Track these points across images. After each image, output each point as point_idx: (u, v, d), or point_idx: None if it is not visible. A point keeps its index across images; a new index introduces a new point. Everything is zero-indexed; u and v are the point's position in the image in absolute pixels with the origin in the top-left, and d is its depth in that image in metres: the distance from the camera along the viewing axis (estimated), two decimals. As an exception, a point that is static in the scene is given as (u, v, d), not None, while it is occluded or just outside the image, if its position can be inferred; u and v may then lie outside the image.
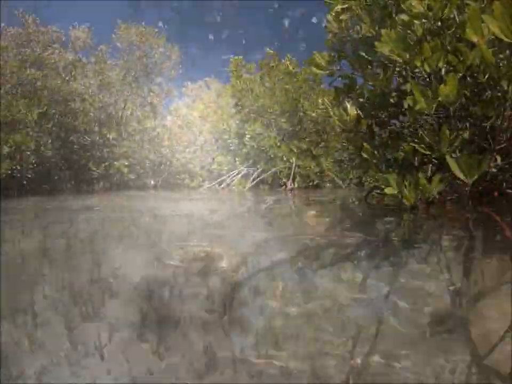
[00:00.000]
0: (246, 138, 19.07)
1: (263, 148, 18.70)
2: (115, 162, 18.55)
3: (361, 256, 3.39)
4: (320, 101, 20.48)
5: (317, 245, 3.84)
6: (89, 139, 17.77)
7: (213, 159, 22.97)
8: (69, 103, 16.38)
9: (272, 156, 18.82)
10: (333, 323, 1.97)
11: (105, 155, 18.61)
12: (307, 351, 1.70)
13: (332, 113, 4.77)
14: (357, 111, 4.78)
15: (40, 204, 9.70)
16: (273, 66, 21.35)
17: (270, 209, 8.34)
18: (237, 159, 19.98)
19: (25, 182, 13.24)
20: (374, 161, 4.78)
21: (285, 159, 19.14)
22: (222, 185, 18.96)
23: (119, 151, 18.96)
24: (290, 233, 4.69)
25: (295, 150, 19.71)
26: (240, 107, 20.90)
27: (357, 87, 5.75)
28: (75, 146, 17.52)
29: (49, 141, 14.29)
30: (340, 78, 5.75)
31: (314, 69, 5.62)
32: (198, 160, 23.11)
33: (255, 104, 19.99)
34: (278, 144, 19.02)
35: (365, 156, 4.80)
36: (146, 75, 20.02)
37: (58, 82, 15.83)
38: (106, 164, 18.40)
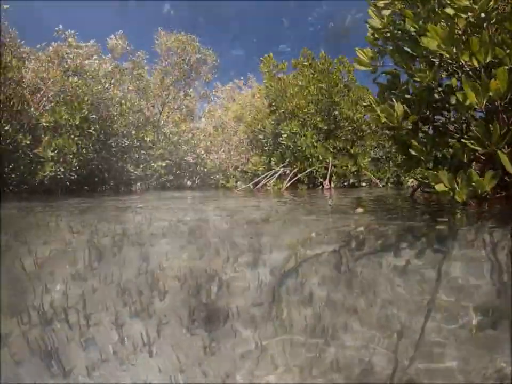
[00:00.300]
0: (282, 138, 19.08)
1: (299, 148, 18.69)
2: (152, 164, 19.04)
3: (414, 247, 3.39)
4: (353, 97, 20.41)
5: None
6: (127, 142, 18.30)
7: (248, 159, 23.15)
8: (109, 108, 16.94)
9: (308, 155, 18.77)
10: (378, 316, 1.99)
11: (142, 157, 19.09)
12: (355, 343, 1.72)
13: (378, 110, 4.77)
14: (404, 108, 4.76)
15: (93, 202, 10.10)
16: (305, 65, 21.31)
17: (314, 204, 8.41)
18: (272, 159, 20.04)
19: (68, 183, 13.80)
20: (422, 158, 4.76)
21: (321, 158, 19.07)
22: (258, 186, 19.06)
23: (156, 153, 19.44)
24: (339, 225, 4.73)
25: (331, 149, 19.64)
26: (274, 107, 20.96)
27: (401, 83, 5.72)
28: (113, 149, 18.08)
29: (90, 144, 14.79)
30: (383, 75, 5.74)
31: (357, 66, 5.63)
32: (233, 161, 23.35)
33: (290, 104, 19.99)
34: (314, 143, 18.95)
35: (413, 153, 4.78)
36: (183, 79, 20.44)
37: (99, 87, 16.42)
38: (144, 165, 18.88)
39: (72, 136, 13.24)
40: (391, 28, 6.42)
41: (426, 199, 6.46)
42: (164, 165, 19.19)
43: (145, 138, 19.19)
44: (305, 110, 19.84)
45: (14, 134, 13.47)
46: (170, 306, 2.32)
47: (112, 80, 18.15)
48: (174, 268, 3.06)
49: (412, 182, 21.46)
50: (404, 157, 5.59)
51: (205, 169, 21.71)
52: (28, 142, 13.06)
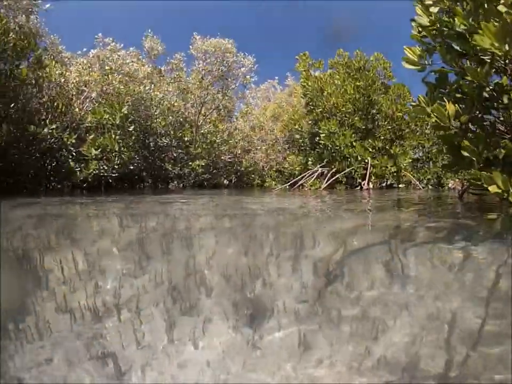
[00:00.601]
0: (320, 138, 19.02)
1: (337, 147, 18.58)
2: (190, 163, 19.40)
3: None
4: (392, 95, 20.08)
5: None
6: (165, 141, 18.76)
7: (284, 158, 23.24)
8: (149, 108, 17.44)
9: (346, 155, 18.64)
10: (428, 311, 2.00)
11: (180, 156, 19.51)
12: (403, 340, 1.71)
13: (428, 109, 4.75)
14: (456, 107, 4.73)
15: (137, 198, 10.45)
16: (341, 63, 21.16)
17: (356, 203, 8.42)
18: (309, 159, 20.03)
19: (110, 181, 14.34)
20: (474, 159, 4.71)
21: (359, 158, 18.90)
22: (296, 186, 19.10)
23: (194, 152, 19.80)
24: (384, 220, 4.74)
25: (370, 149, 19.43)
26: (312, 106, 20.90)
27: (450, 82, 5.67)
28: (152, 148, 18.59)
29: (131, 143, 15.25)
30: (432, 73, 5.70)
31: (405, 64, 5.62)
32: (269, 160, 23.50)
33: (327, 103, 19.88)
34: (353, 143, 18.79)
35: (465, 154, 4.73)
36: (221, 80, 20.78)
37: (140, 88, 16.94)
38: (181, 164, 19.28)
39: (114, 136, 13.70)
40: (438, 25, 6.37)
41: (476, 201, 6.37)
42: (201, 164, 19.51)
43: (183, 138, 19.62)
44: (343, 109, 19.67)
45: (58, 133, 14.08)
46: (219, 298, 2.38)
47: (153, 81, 18.65)
48: (227, 260, 3.16)
49: (454, 183, 20.96)
50: (453, 157, 5.54)
51: (242, 169, 21.93)
52: (73, 141, 13.61)
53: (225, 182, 21.49)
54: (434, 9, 6.43)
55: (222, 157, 21.44)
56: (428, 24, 6.24)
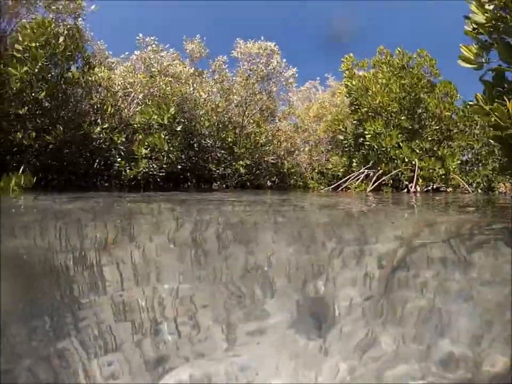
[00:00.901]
0: (365, 139, 18.80)
1: (383, 149, 18.32)
2: (233, 163, 19.69)
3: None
4: (439, 93, 19.57)
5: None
6: (209, 142, 19.17)
7: (328, 160, 23.14)
8: (193, 109, 17.93)
9: (393, 156, 18.33)
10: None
11: (223, 156, 19.84)
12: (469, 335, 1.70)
13: (487, 108, 4.71)
14: (517, 106, 4.64)
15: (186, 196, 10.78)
16: (384, 62, 20.82)
17: (407, 204, 8.36)
18: (354, 160, 19.86)
19: (158, 180, 14.90)
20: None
21: (406, 160, 18.55)
22: (341, 187, 19.01)
23: (238, 152, 20.10)
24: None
25: (417, 150, 19.02)
26: (356, 106, 20.70)
27: (508, 80, 5.57)
28: (196, 148, 19.05)
29: (177, 144, 15.72)
30: (489, 72, 5.62)
31: (462, 63, 5.57)
32: (311, 161, 23.47)
33: (373, 102, 19.62)
34: (400, 144, 18.42)
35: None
36: (264, 81, 21.01)
37: (185, 89, 17.45)
38: (225, 164, 19.61)
39: (162, 136, 14.21)
40: (494, 22, 6.26)
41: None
42: (244, 164, 19.76)
43: (227, 139, 19.96)
44: (389, 108, 19.36)
45: (108, 134, 14.77)
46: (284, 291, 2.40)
47: (197, 81, 19.11)
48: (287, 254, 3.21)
49: (506, 187, 20.23)
50: (509, 159, 5.43)
51: (284, 170, 22.02)
52: (123, 140, 14.23)
53: (268, 183, 21.62)
54: (489, 7, 6.32)
55: (265, 158, 21.63)
56: (484, 21, 6.15)
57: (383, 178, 18.44)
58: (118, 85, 16.86)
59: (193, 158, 18.56)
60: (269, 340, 1.69)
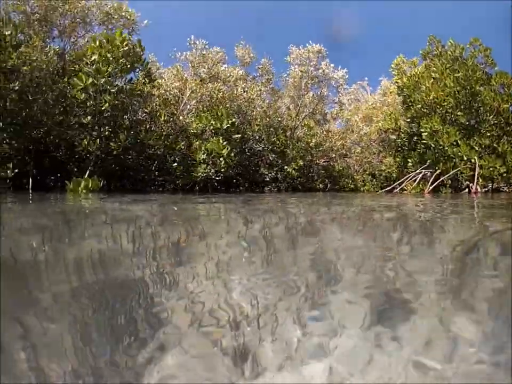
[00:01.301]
0: (421, 137, 18.37)
1: (441, 147, 17.83)
2: (285, 167, 19.74)
3: None
4: (496, 85, 18.78)
5: None
6: (261, 145, 19.32)
7: (381, 161, 22.79)
8: (246, 113, 18.14)
9: (451, 155, 17.80)
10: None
11: (274, 160, 19.94)
12: None
13: None
14: None
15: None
16: (436, 54, 20.23)
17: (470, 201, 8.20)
18: (409, 160, 19.45)
19: (216, 183, 15.28)
20: None
21: (465, 158, 17.95)
22: (397, 189, 18.70)
23: (289, 156, 20.14)
24: None
25: (476, 148, 18.35)
26: (409, 104, 20.27)
27: None
28: (247, 152, 19.24)
29: (231, 148, 16.04)
30: None
31: None
32: (363, 163, 23.18)
33: (427, 98, 19.10)
34: (458, 141, 17.83)
35: None
36: (315, 84, 21.08)
37: (236, 93, 17.71)
38: (277, 168, 19.69)
39: (220, 141, 14.58)
40: None
41: None
42: (296, 167, 19.78)
43: (277, 142, 20.05)
44: (444, 104, 18.77)
45: (162, 141, 15.29)
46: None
47: (244, 85, 19.36)
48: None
49: None
50: None
51: (336, 172, 21.85)
52: (182, 147, 14.69)
53: (320, 185, 21.50)
54: None
55: (317, 161, 21.56)
56: None
57: (441, 178, 17.95)
58: (170, 93, 17.36)
59: (245, 162, 18.76)
60: (345, 332, 1.67)
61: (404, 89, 20.47)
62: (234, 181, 18.90)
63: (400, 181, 19.23)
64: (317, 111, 22.72)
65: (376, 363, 1.43)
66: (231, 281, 2.43)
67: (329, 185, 21.95)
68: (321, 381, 1.34)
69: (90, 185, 12.38)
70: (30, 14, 17.22)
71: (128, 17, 18.09)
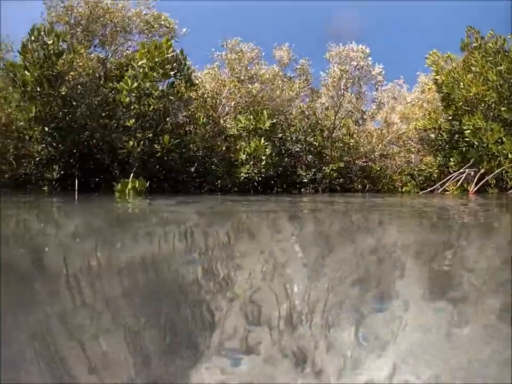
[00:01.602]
0: (463, 134, 17.93)
1: (484, 145, 17.32)
2: (324, 167, 19.70)
3: None
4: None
5: None
6: (298, 146, 19.45)
7: (420, 160, 22.37)
8: (284, 113, 18.30)
9: (496, 153, 17.24)
10: None
11: (312, 161, 19.95)
12: None
13: None
14: None
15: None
16: (475, 46, 19.65)
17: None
18: (451, 159, 19.01)
19: (256, 184, 15.79)
20: None
21: (510, 156, 17.33)
22: (439, 190, 18.31)
23: (328, 156, 20.14)
24: None
25: (523, 145, 17.70)
26: (449, 101, 19.79)
27: None
28: (284, 153, 19.35)
29: (273, 148, 16.34)
30: None
31: None
32: (402, 163, 22.80)
33: (467, 95, 18.55)
34: (503, 138, 17.24)
35: None
36: (355, 83, 20.99)
37: (277, 93, 17.88)
38: (315, 169, 19.69)
39: (262, 141, 14.79)
40: None
41: None
42: (335, 168, 19.70)
43: (315, 143, 20.02)
44: (486, 99, 18.20)
45: (202, 143, 15.65)
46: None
47: (284, 85, 19.52)
48: None
49: None
50: None
51: (375, 173, 21.58)
52: (224, 148, 14.98)
53: (359, 186, 21.24)
54: None
55: (355, 161, 21.38)
56: None
57: (486, 178, 17.39)
58: (208, 95, 17.74)
59: (284, 163, 18.91)
60: (405, 328, 1.64)
61: (443, 87, 19.99)
62: (272, 182, 18.99)
63: (442, 182, 18.82)
64: (356, 110, 22.56)
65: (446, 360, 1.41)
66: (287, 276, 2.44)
67: (368, 186, 21.63)
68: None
69: (137, 186, 12.86)
70: (73, 24, 17.99)
71: (168, 25, 18.80)
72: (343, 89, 20.76)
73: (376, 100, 23.62)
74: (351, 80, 20.75)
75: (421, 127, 21.67)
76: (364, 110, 23.76)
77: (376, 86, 21.93)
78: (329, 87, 21.20)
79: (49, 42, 14.67)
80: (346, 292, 2.17)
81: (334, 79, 20.89)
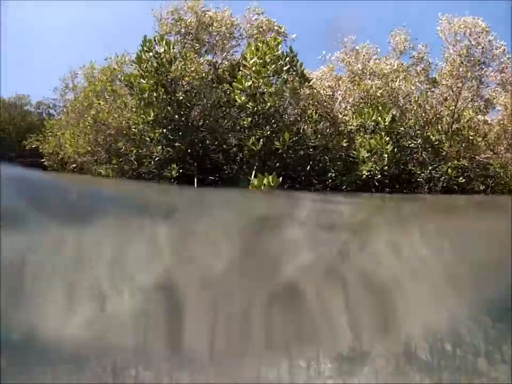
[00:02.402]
0: None
1: None
2: (442, 165, 18.49)
3: None
4: None
5: None
6: (414, 142, 18.62)
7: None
8: (401, 107, 17.64)
9: None
10: None
11: (428, 157, 18.83)
12: None
13: None
14: None
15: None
16: None
17: None
18: None
19: (376, 183, 15.71)
20: None
21: None
22: None
23: (445, 152, 18.93)
24: None
25: None
26: None
27: None
28: (397, 149, 18.45)
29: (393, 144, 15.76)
30: None
31: None
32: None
33: None
34: None
35: None
36: (476, 66, 19.17)
37: (393, 86, 17.37)
38: (431, 166, 18.58)
39: (383, 137, 14.43)
40: None
41: None
42: (455, 165, 18.38)
43: (431, 137, 18.87)
44: None
45: (319, 140, 15.50)
46: None
47: (401, 76, 18.81)
48: None
49: None
50: None
51: (501, 170, 19.74)
52: (344, 145, 14.83)
53: (481, 186, 19.49)
54: None
55: (477, 157, 19.67)
56: None
57: None
58: (323, 93, 17.75)
59: (401, 160, 18.19)
60: None
61: None
62: (386, 180, 18.14)
63: None
64: (477, 98, 20.64)
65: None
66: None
67: (492, 186, 19.82)
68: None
69: (272, 182, 13.21)
70: (183, 34, 19.08)
71: (279, 30, 19.45)
72: (462, 76, 18.98)
73: (500, 83, 21.06)
74: (471, 62, 18.81)
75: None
76: (487, 96, 21.41)
77: (501, 66, 19.49)
78: (446, 75, 19.60)
79: (161, 50, 16.04)
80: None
81: (453, 66, 19.17)
